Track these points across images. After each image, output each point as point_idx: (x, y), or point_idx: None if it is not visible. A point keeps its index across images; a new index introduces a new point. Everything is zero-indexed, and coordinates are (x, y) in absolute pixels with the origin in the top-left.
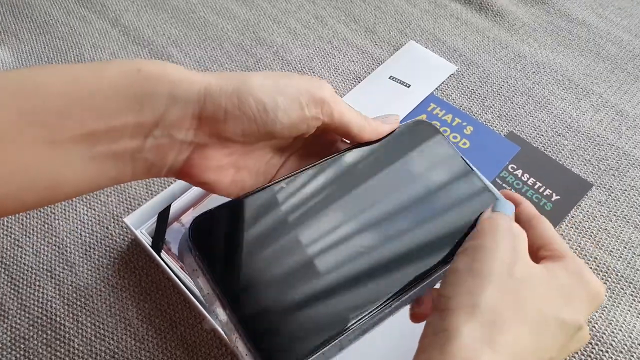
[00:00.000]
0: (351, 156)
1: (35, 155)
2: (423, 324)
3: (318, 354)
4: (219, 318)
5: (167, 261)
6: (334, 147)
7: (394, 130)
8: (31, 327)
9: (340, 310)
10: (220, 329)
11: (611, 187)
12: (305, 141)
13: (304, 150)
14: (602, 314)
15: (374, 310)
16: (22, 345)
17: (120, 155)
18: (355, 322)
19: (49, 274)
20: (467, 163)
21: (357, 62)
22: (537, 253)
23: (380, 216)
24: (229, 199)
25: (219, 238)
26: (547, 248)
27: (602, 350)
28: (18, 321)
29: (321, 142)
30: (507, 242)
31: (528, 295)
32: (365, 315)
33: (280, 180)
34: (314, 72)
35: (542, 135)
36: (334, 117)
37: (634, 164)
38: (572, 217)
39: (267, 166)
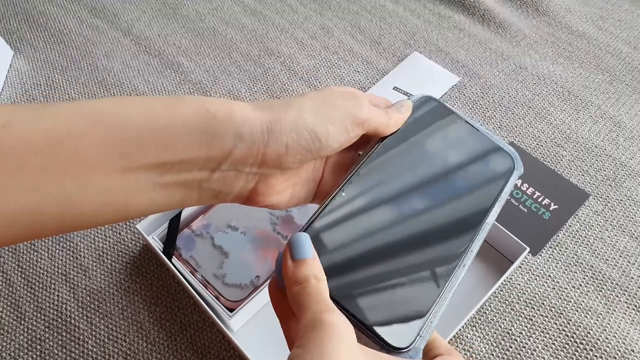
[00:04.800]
0: (386, 148)
1: (110, 181)
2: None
3: (429, 320)
4: None
5: (178, 266)
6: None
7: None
8: (47, 329)
9: (432, 275)
10: None
11: (608, 197)
12: None
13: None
14: (597, 320)
15: (457, 265)
16: (38, 347)
17: (188, 184)
18: (447, 283)
19: (63, 277)
20: (476, 128)
21: (362, 72)
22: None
23: (434, 191)
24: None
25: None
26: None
27: (596, 356)
28: (35, 323)
29: None
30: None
31: None
32: (452, 275)
33: (338, 190)
34: (319, 82)
35: (542, 145)
36: (371, 129)
37: (630, 174)
38: (570, 226)
39: (314, 172)
